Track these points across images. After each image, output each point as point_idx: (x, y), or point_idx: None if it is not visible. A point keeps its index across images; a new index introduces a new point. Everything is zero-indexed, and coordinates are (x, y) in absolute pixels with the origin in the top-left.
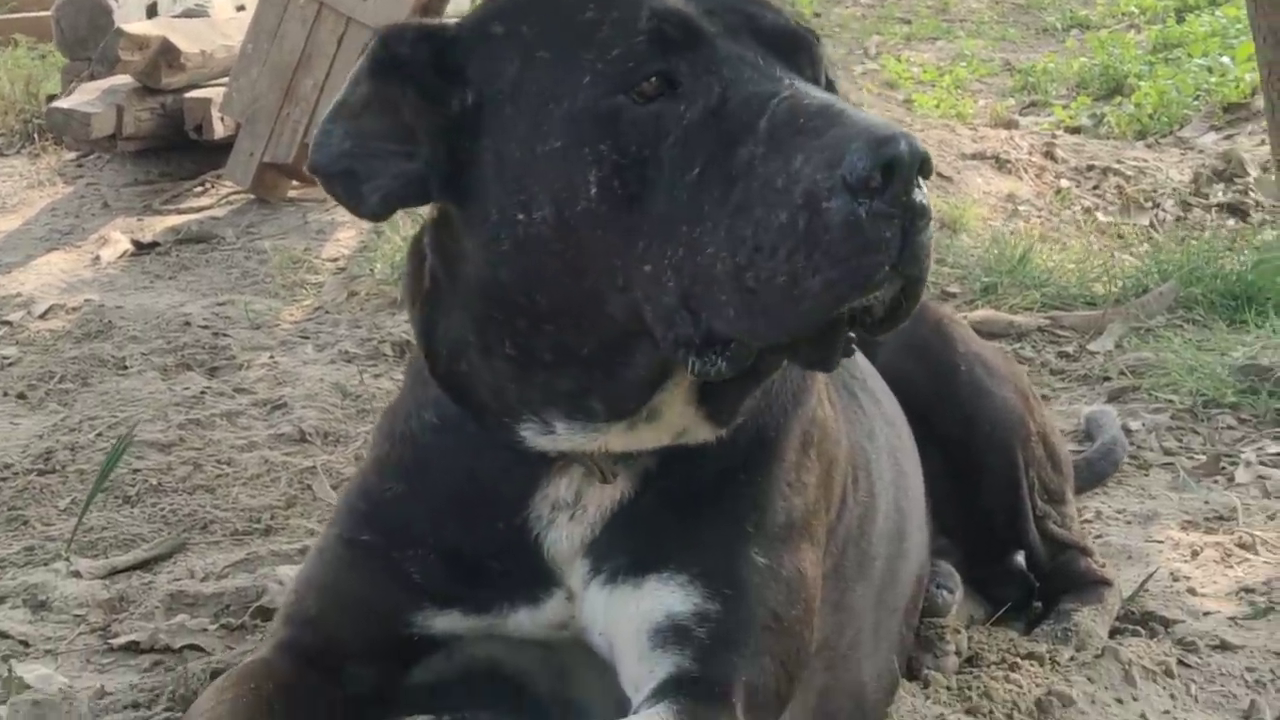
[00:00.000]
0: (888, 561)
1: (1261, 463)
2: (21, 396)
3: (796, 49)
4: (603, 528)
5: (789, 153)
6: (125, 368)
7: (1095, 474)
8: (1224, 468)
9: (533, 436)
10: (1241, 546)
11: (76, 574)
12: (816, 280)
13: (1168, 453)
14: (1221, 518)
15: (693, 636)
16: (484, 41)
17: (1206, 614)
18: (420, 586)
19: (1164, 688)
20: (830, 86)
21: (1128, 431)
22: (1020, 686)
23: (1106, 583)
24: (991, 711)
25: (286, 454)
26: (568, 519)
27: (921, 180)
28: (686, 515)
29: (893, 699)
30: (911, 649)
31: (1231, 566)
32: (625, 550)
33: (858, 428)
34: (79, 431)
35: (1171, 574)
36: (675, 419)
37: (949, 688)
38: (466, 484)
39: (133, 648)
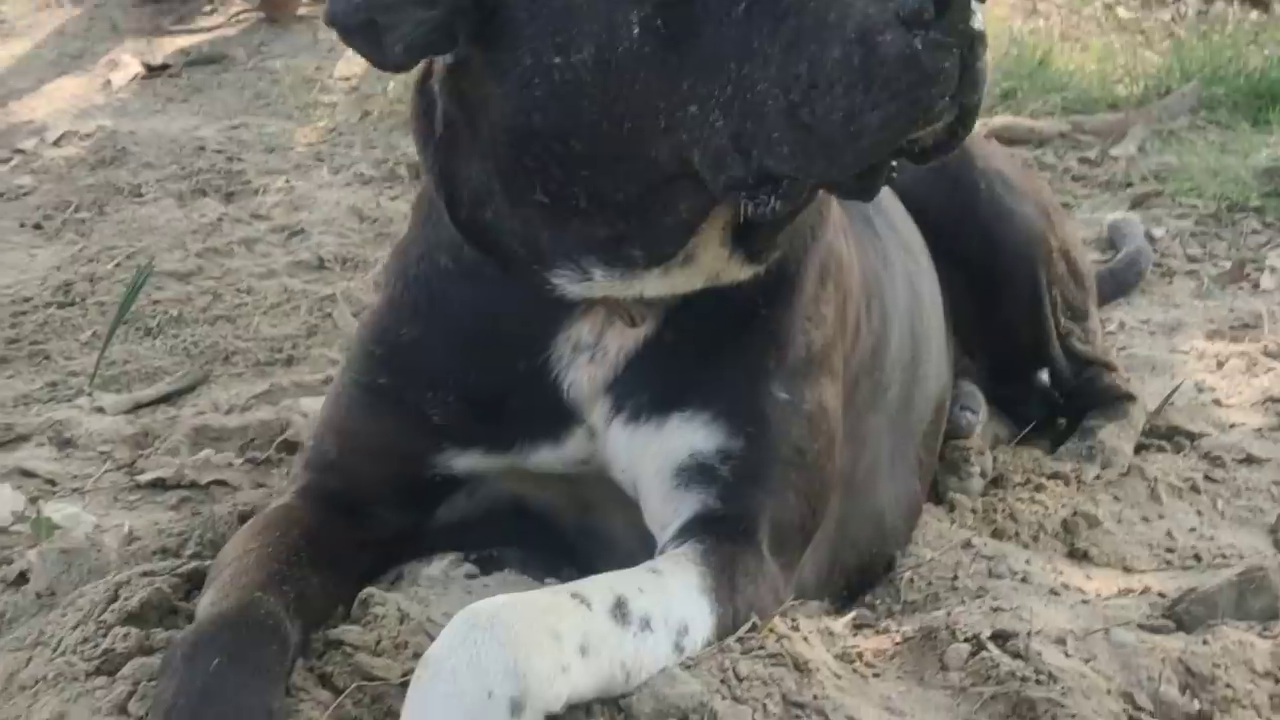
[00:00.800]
0: (903, 388)
1: None
2: (38, 227)
3: None
4: (624, 368)
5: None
6: (141, 195)
7: (1120, 284)
8: (1249, 274)
9: (566, 284)
10: (1267, 355)
11: (100, 410)
12: (875, 115)
13: (1192, 259)
14: (1247, 325)
15: (717, 474)
16: None
17: (1233, 426)
18: (440, 428)
19: (1190, 504)
20: None
21: (1151, 239)
22: (1046, 507)
23: (1131, 398)
24: (1017, 533)
25: (306, 281)
26: (588, 360)
27: (976, 3)
28: (708, 353)
29: (915, 522)
30: (937, 471)
31: (1257, 375)
32: (647, 389)
33: (872, 254)
34: (97, 262)
35: (1197, 385)
36: (710, 262)
37: (974, 510)
38: (485, 326)
39: (159, 484)
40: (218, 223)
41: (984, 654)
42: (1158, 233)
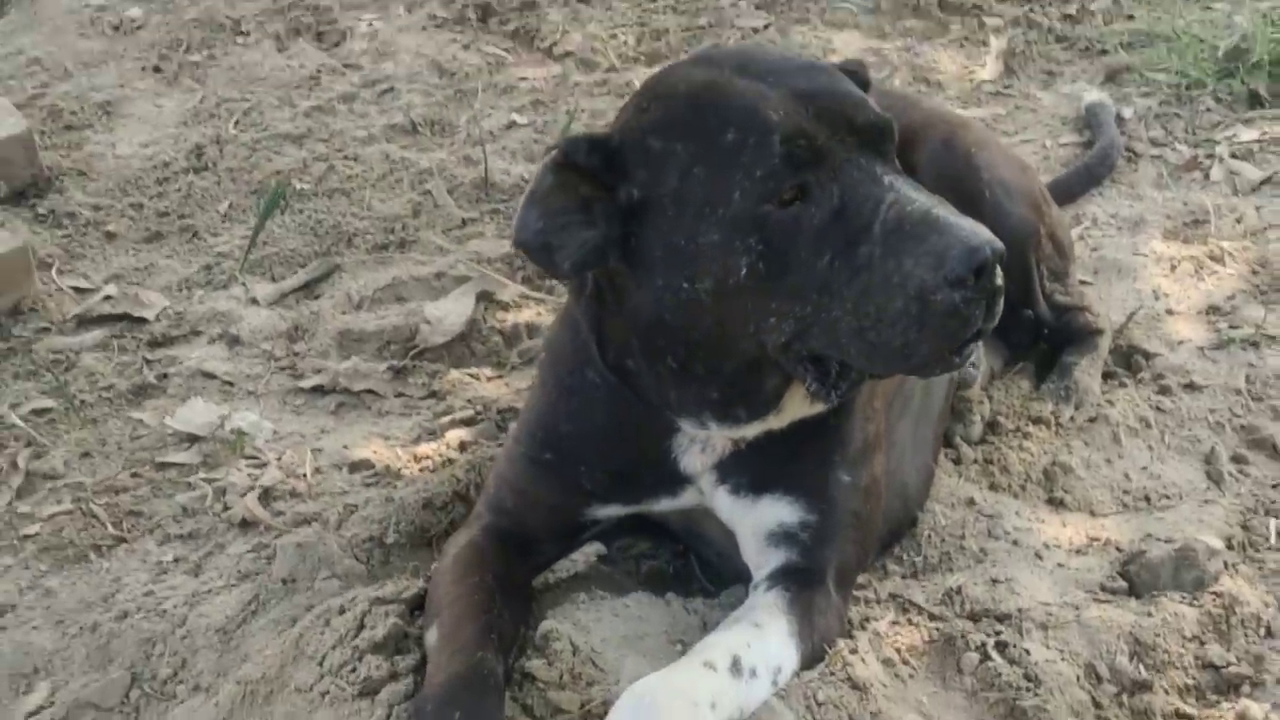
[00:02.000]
0: (924, 388)
1: (1233, 155)
2: (158, 70)
3: (883, 139)
4: (728, 456)
5: (900, 255)
6: (243, 32)
7: (1094, 177)
8: (1201, 163)
9: (689, 428)
10: (1212, 259)
11: (254, 300)
12: (925, 346)
13: (1154, 143)
14: (1198, 221)
15: (798, 539)
16: (644, 152)
17: (1180, 343)
18: (589, 491)
19: (1143, 440)
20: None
21: (1121, 121)
22: (1031, 455)
23: (1099, 331)
24: (1009, 484)
25: (403, 148)
26: (700, 450)
27: (999, 267)
28: (791, 450)
29: (930, 485)
30: (944, 424)
31: (1203, 280)
32: (745, 473)
33: None
34: (218, 119)
35: (1153, 291)
36: (795, 409)
37: (975, 461)
38: (624, 427)
39: (319, 390)
40: (317, 75)
41: (989, 663)
42: (1127, 114)
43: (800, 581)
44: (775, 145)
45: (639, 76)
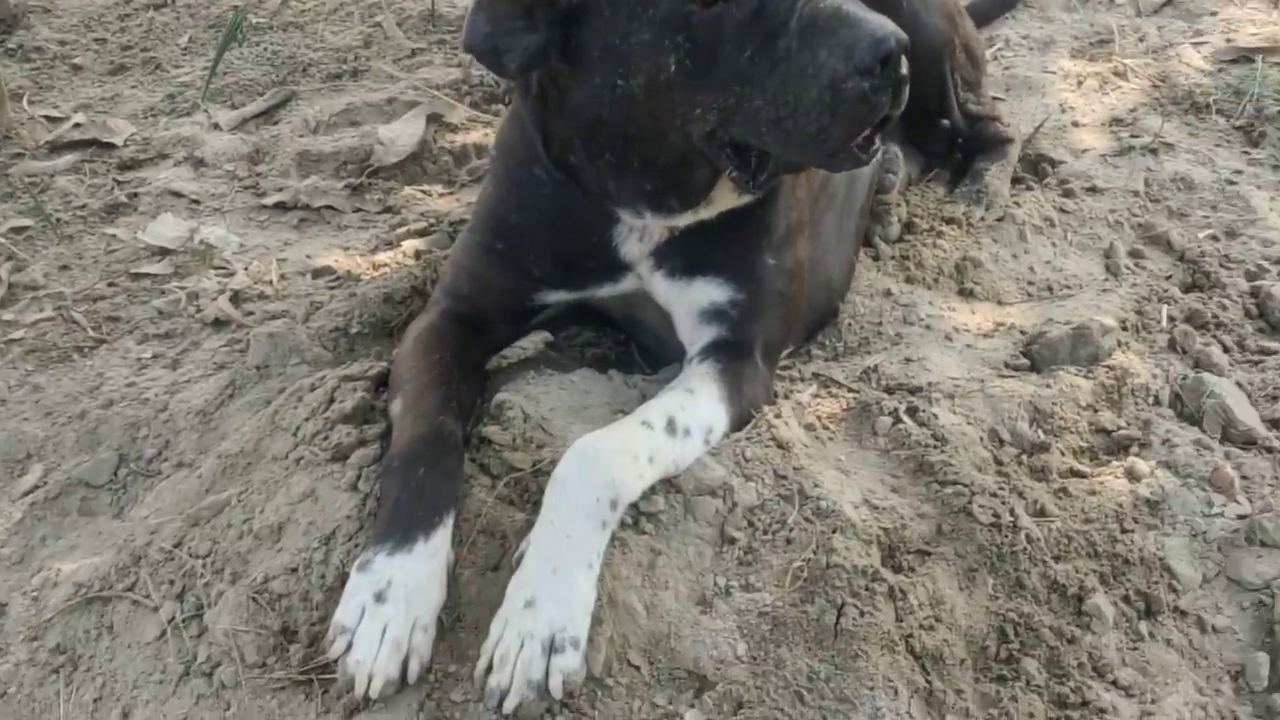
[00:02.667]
0: (846, 185)
1: None
2: None
3: None
4: (662, 244)
5: (814, 47)
6: None
7: (1007, 2)
8: None
9: (627, 218)
10: (1115, 75)
11: (216, 126)
12: (837, 130)
13: None
14: (1103, 41)
15: (728, 316)
16: None
17: (1084, 151)
18: (538, 277)
19: (1047, 238)
20: None
21: None
22: (944, 251)
23: (1010, 140)
24: (924, 277)
25: None
26: (638, 239)
27: (904, 58)
28: (720, 237)
29: (851, 277)
30: (865, 221)
31: (1107, 94)
32: (679, 257)
33: None
34: None
35: (1060, 105)
36: (724, 200)
37: (892, 257)
38: (569, 217)
39: (281, 206)
40: None
41: (900, 425)
42: None
43: (730, 354)
44: None
45: None
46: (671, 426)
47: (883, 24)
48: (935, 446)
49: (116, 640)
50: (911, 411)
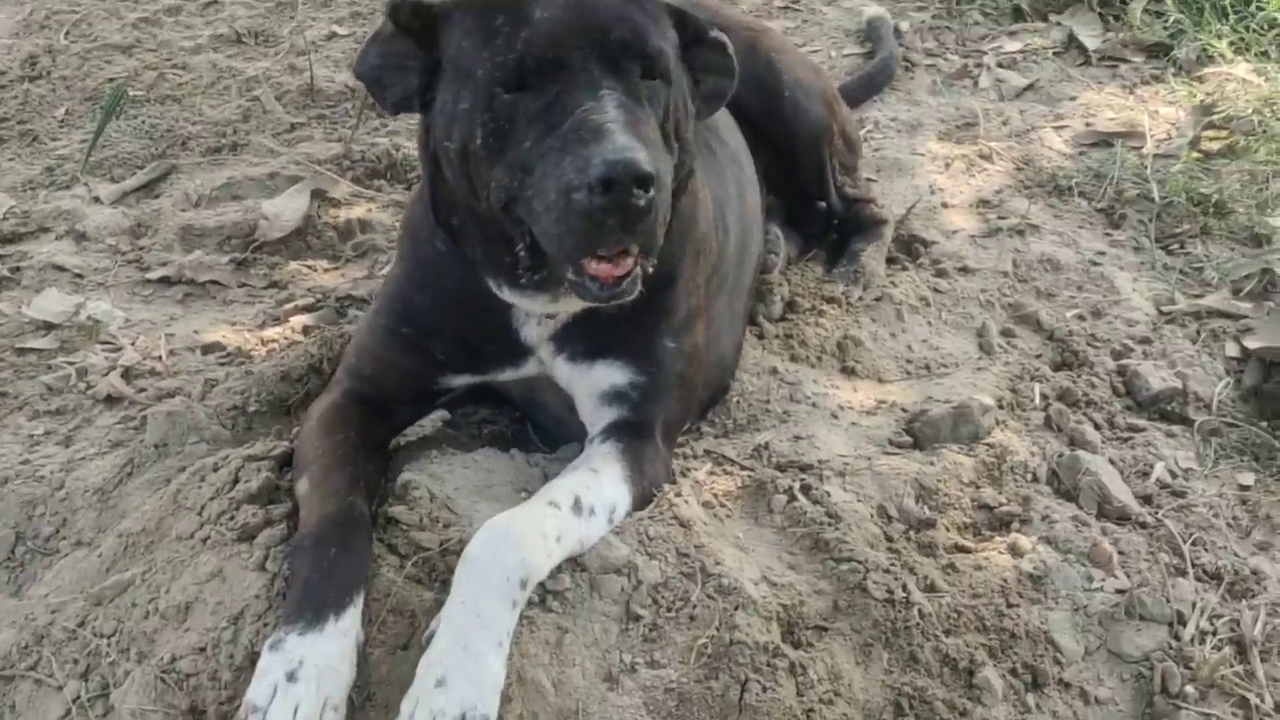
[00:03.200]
0: (736, 267)
1: (999, 65)
2: None
3: (625, 56)
4: (561, 328)
5: (567, 152)
6: None
7: (875, 85)
8: (971, 71)
9: (495, 289)
10: (982, 157)
11: (97, 199)
12: (569, 239)
13: (929, 54)
14: (969, 124)
15: (628, 398)
16: (449, 21)
17: (954, 232)
18: (442, 361)
19: (923, 317)
20: (666, 74)
21: (899, 33)
22: (826, 330)
23: (884, 221)
24: (807, 356)
25: (229, 57)
26: (536, 324)
27: (640, 190)
28: (621, 321)
29: (739, 355)
30: (751, 301)
31: (974, 176)
32: (579, 341)
33: (715, 178)
34: (50, 29)
35: (930, 186)
36: (573, 302)
37: (777, 336)
38: (469, 297)
39: (166, 281)
40: None
41: (794, 503)
42: (904, 26)
43: (631, 434)
44: (519, 41)
45: None
46: (577, 506)
47: (625, 150)
48: (829, 524)
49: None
50: (805, 489)
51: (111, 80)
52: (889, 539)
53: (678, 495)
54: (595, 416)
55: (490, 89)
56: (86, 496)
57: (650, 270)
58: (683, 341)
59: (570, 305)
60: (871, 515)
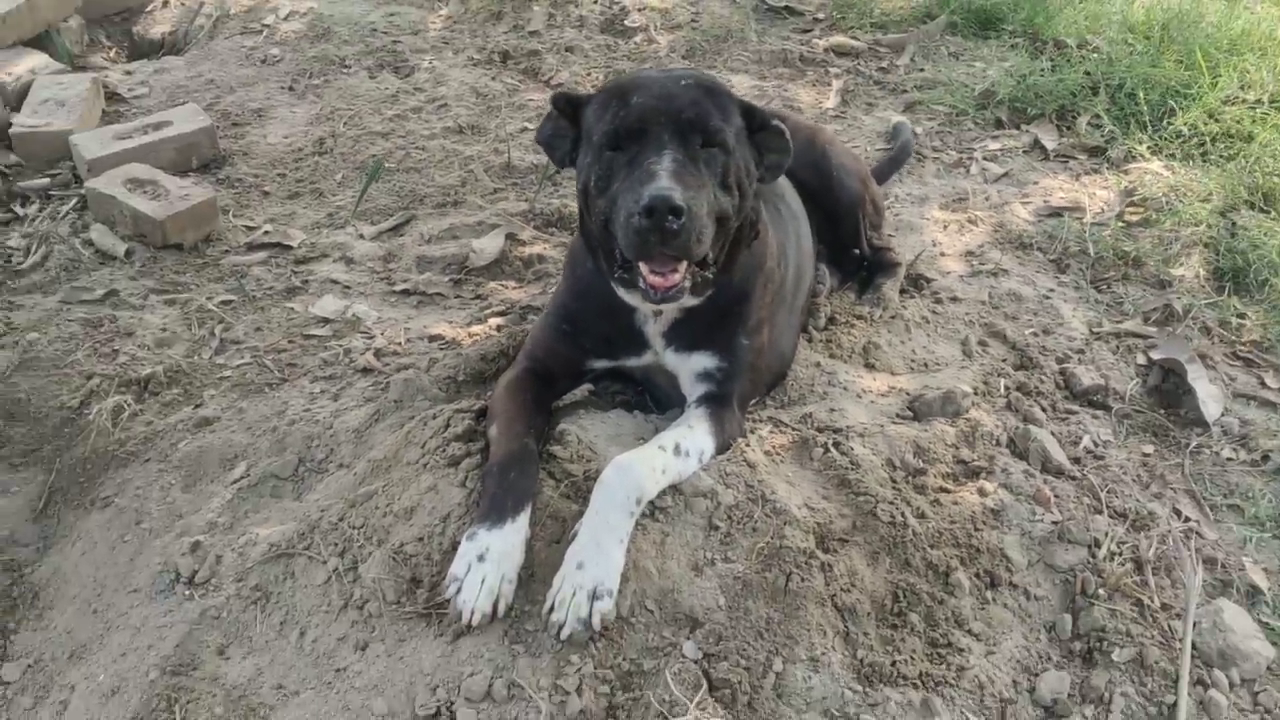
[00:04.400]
0: (794, 291)
1: (985, 159)
2: (291, 89)
3: (692, 130)
4: (669, 328)
5: (632, 190)
6: (347, 66)
7: (895, 164)
8: (964, 163)
9: (616, 292)
10: (970, 222)
11: (361, 236)
12: (630, 249)
13: (934, 150)
14: (961, 199)
15: (714, 377)
16: (587, 105)
17: (948, 273)
18: (588, 349)
19: (924, 331)
20: (725, 145)
21: (915, 134)
22: (855, 338)
23: (899, 264)
24: (841, 355)
25: (453, 142)
26: (653, 322)
27: (674, 218)
28: (712, 325)
29: (795, 352)
30: (804, 316)
31: (964, 235)
32: (682, 338)
33: (780, 228)
34: (333, 121)
35: (932, 241)
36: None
37: (821, 341)
38: (607, 304)
39: (406, 293)
40: (396, 95)
41: (829, 454)
42: (919, 130)
43: (716, 403)
44: (618, 117)
45: None
46: (678, 450)
47: (664, 189)
48: (851, 469)
49: (296, 583)
50: (836, 445)
51: (373, 156)
52: (893, 482)
53: (746, 446)
54: (692, 390)
55: (601, 148)
56: (347, 434)
57: (706, 279)
58: (754, 340)
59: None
60: (882, 465)
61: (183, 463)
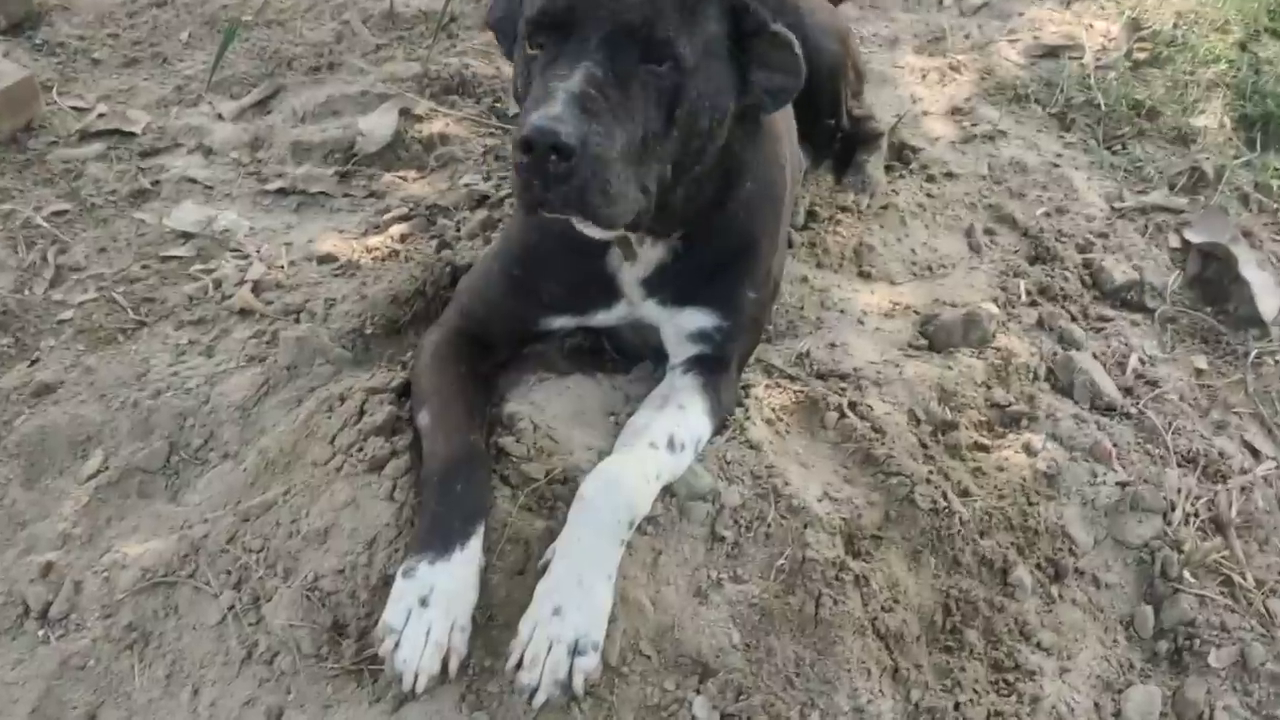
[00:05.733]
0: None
1: None
2: None
3: (629, 38)
4: (652, 272)
5: (526, 113)
6: None
7: None
8: None
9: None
10: (952, 69)
11: (220, 116)
12: (516, 197)
13: None
14: (937, 39)
15: (711, 338)
16: None
17: (936, 139)
18: (546, 303)
19: (921, 221)
20: (678, 61)
21: None
22: (843, 238)
23: (881, 134)
24: (830, 263)
25: None
26: (630, 265)
27: (558, 157)
28: (709, 273)
29: (784, 267)
30: None
31: (946, 86)
32: (669, 288)
33: (782, 122)
34: None
35: (911, 97)
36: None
37: (803, 244)
38: (573, 244)
39: (282, 192)
40: None
41: (845, 420)
42: None
43: (710, 368)
44: (536, 6)
45: None
46: (671, 444)
47: (551, 120)
48: (876, 439)
49: (182, 622)
50: (852, 406)
51: (225, 6)
52: (923, 445)
53: (746, 418)
54: (680, 350)
55: (522, 43)
56: (230, 412)
57: (676, 249)
58: (762, 292)
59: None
60: (906, 423)
61: (20, 449)
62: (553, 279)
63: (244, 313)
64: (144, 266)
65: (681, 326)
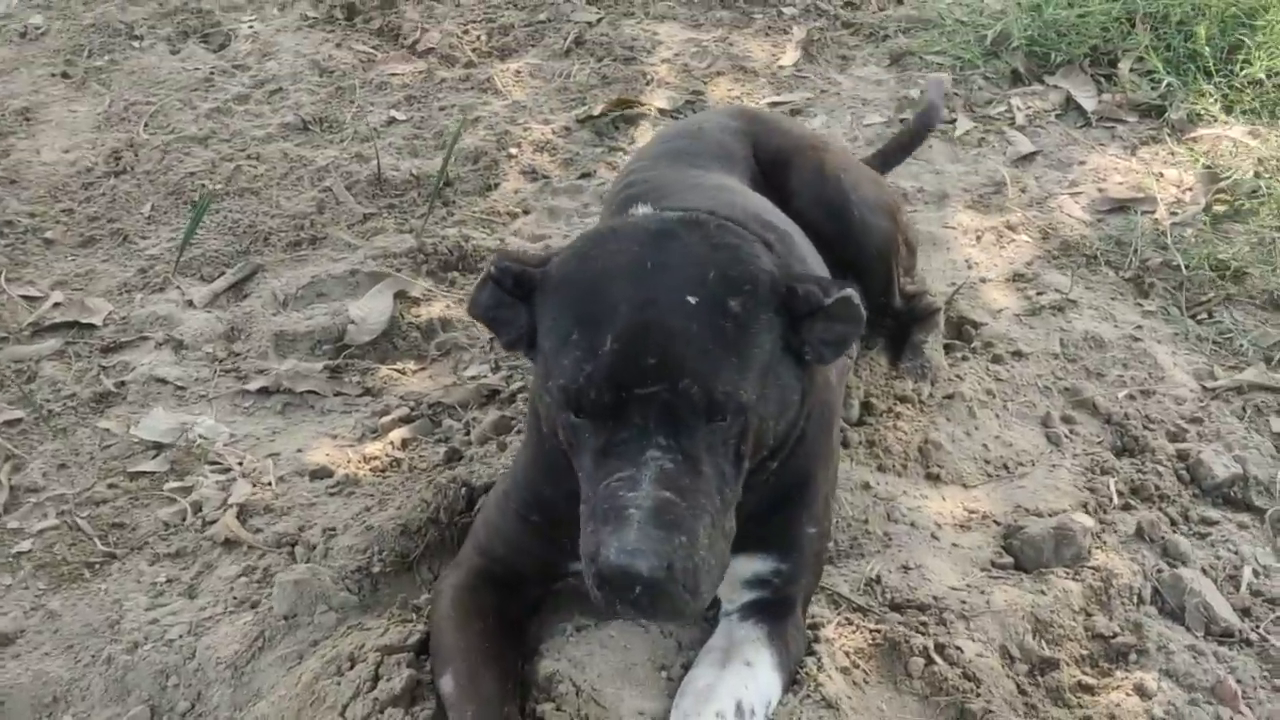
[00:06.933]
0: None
1: (1009, 128)
2: (65, 75)
3: (692, 410)
4: None
5: (595, 517)
6: (138, 37)
7: (916, 139)
8: (983, 137)
9: None
10: (1009, 228)
11: (190, 303)
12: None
13: (942, 119)
14: (990, 191)
15: (770, 583)
16: (543, 294)
17: (999, 311)
18: (570, 549)
19: (991, 410)
20: (740, 410)
21: (911, 103)
22: (905, 434)
23: (938, 309)
24: (893, 464)
25: (298, 145)
26: None
27: (651, 596)
28: (761, 515)
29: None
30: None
31: (1004, 248)
32: None
33: None
34: (129, 122)
35: (967, 261)
36: None
37: (861, 443)
38: None
39: (264, 391)
40: (210, 76)
41: (933, 666)
42: (913, 94)
43: (773, 613)
44: (582, 376)
45: (496, 72)
46: (740, 711)
47: (627, 557)
48: (971, 690)
49: None
50: (939, 649)
51: (191, 174)
52: (1022, 692)
53: (819, 668)
54: (735, 595)
55: (563, 405)
56: (219, 670)
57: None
58: (822, 525)
59: None
60: (1000, 665)
61: None
62: (574, 523)
63: (229, 543)
64: (110, 486)
65: (736, 573)
